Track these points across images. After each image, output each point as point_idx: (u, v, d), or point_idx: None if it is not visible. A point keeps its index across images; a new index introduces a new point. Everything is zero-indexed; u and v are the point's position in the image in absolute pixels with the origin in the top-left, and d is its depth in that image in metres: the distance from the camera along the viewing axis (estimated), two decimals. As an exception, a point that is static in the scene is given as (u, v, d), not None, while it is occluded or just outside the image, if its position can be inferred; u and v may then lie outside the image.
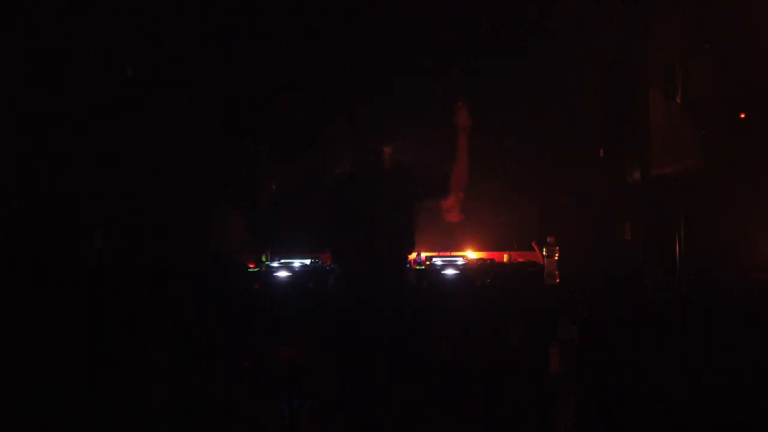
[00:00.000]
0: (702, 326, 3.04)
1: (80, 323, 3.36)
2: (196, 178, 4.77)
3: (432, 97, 4.66)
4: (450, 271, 3.40)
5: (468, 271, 3.45)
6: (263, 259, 3.70)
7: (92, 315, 3.49)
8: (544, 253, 3.29)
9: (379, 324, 2.91)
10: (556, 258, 3.26)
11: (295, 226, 4.97)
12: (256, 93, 4.98)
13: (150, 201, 4.73)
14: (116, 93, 3.78)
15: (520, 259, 3.75)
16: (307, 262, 3.60)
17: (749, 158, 3.06)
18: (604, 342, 4.18)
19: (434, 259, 3.63)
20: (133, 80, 3.75)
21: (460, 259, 3.70)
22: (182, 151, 4.44)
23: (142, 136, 4.18)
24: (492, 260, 3.73)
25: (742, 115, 3.02)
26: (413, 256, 3.52)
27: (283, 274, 3.38)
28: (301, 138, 5.18)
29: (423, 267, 3.49)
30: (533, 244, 3.66)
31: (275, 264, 3.60)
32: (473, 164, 4.53)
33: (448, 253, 3.79)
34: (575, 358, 3.23)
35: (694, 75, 2.97)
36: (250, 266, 3.64)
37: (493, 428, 3.35)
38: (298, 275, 3.41)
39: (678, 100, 3.00)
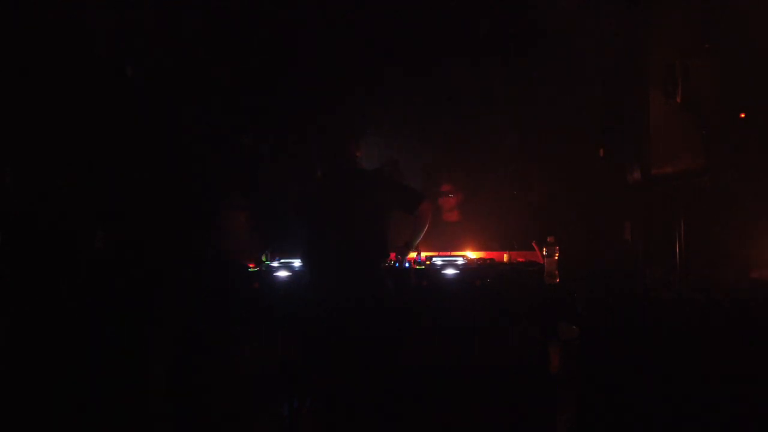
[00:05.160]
0: (702, 326, 3.04)
1: (80, 323, 3.36)
2: (195, 177, 4.77)
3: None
4: (450, 271, 3.40)
5: (468, 271, 3.45)
6: (263, 259, 3.70)
7: (92, 315, 3.49)
8: (544, 253, 3.29)
9: (349, 327, 2.90)
10: (556, 258, 3.26)
11: (295, 226, 4.99)
12: (247, 92, 4.98)
13: (150, 201, 4.73)
14: (116, 92, 3.78)
15: (520, 259, 3.75)
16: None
17: (749, 158, 3.06)
18: (604, 342, 4.18)
19: (434, 259, 3.62)
20: (132, 79, 3.76)
21: (460, 259, 3.70)
22: (182, 150, 4.45)
23: (142, 135, 4.18)
24: (492, 260, 3.73)
25: (742, 115, 3.02)
26: (413, 255, 3.52)
27: (283, 274, 3.38)
28: (287, 138, 5.19)
29: (423, 267, 3.49)
30: (533, 244, 3.66)
31: (275, 264, 3.60)
32: (474, 164, 4.55)
33: (448, 253, 3.79)
34: (575, 358, 3.23)
35: (694, 75, 2.98)
36: (250, 266, 3.64)
37: (493, 428, 3.35)
38: (298, 275, 3.41)
39: (678, 100, 3.00)
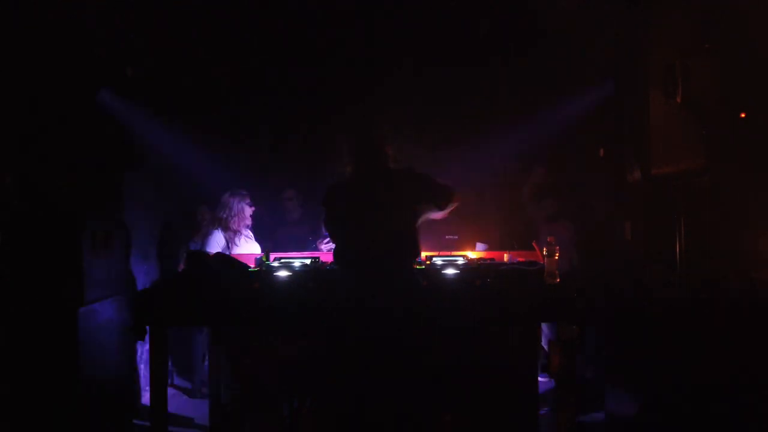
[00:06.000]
0: (702, 326, 3.04)
1: (79, 323, 3.36)
2: (197, 177, 4.76)
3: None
4: (450, 271, 3.40)
5: (468, 271, 3.45)
6: (263, 259, 3.70)
7: (92, 315, 3.49)
8: (544, 252, 3.29)
9: (380, 325, 2.90)
10: (557, 258, 3.26)
11: (295, 226, 5.00)
12: (247, 91, 4.99)
13: (150, 201, 4.73)
14: (117, 92, 3.79)
15: (521, 259, 3.75)
16: (308, 262, 3.60)
17: (749, 158, 3.06)
18: (603, 342, 4.20)
19: (434, 259, 3.62)
20: (133, 78, 3.77)
21: (460, 258, 3.70)
22: (183, 150, 4.45)
23: (143, 135, 4.18)
24: (492, 260, 3.73)
25: (742, 115, 3.02)
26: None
27: (283, 273, 3.38)
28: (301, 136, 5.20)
29: (423, 267, 3.49)
30: (533, 243, 3.66)
31: (275, 264, 3.60)
32: (474, 164, 4.54)
33: (448, 253, 3.79)
34: (575, 358, 3.23)
35: (694, 75, 2.98)
36: (250, 266, 3.64)
37: (493, 428, 3.35)
38: (298, 275, 3.40)
39: (678, 100, 3.00)
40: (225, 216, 4.38)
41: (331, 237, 3.11)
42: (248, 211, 4.41)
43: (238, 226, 4.39)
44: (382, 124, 3.21)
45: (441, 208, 3.10)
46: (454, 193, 3.10)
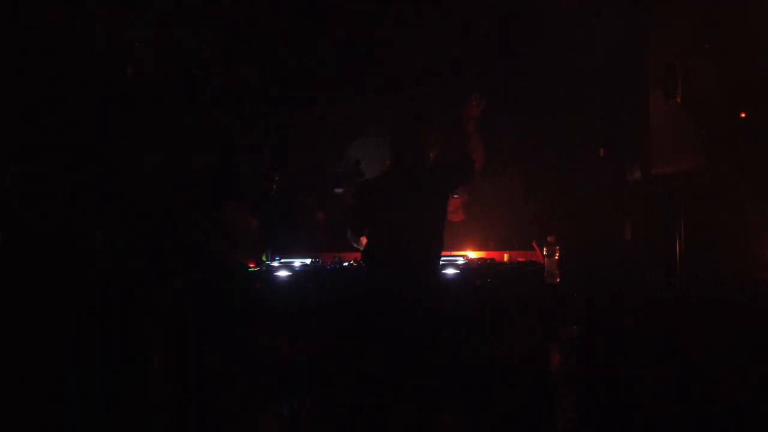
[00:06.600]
0: (702, 326, 3.04)
1: (79, 324, 3.36)
2: (197, 176, 4.75)
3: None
4: (450, 271, 3.40)
5: (468, 271, 3.45)
6: (263, 258, 3.70)
7: (91, 315, 3.49)
8: (544, 252, 3.29)
9: (405, 323, 2.89)
10: (557, 258, 3.26)
11: (296, 226, 4.98)
12: (265, 87, 4.98)
13: (151, 200, 4.72)
14: (118, 92, 3.78)
15: (521, 259, 3.75)
16: (308, 261, 3.61)
17: (749, 158, 3.06)
18: (604, 342, 4.19)
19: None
20: (134, 78, 3.76)
21: (460, 258, 3.70)
22: (183, 148, 4.44)
23: (143, 133, 4.17)
24: (492, 260, 3.73)
25: (743, 115, 3.02)
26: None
27: (283, 273, 3.38)
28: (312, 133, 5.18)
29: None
30: (533, 243, 3.66)
31: (275, 263, 3.60)
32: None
33: (448, 253, 3.79)
34: (575, 358, 3.23)
35: (694, 75, 2.98)
36: (251, 266, 3.64)
37: (493, 428, 3.35)
38: (298, 275, 3.41)
39: (678, 100, 3.00)
40: None
41: (357, 233, 3.11)
42: None
43: None
44: (427, 121, 3.24)
45: (469, 183, 3.32)
46: (474, 165, 3.19)
